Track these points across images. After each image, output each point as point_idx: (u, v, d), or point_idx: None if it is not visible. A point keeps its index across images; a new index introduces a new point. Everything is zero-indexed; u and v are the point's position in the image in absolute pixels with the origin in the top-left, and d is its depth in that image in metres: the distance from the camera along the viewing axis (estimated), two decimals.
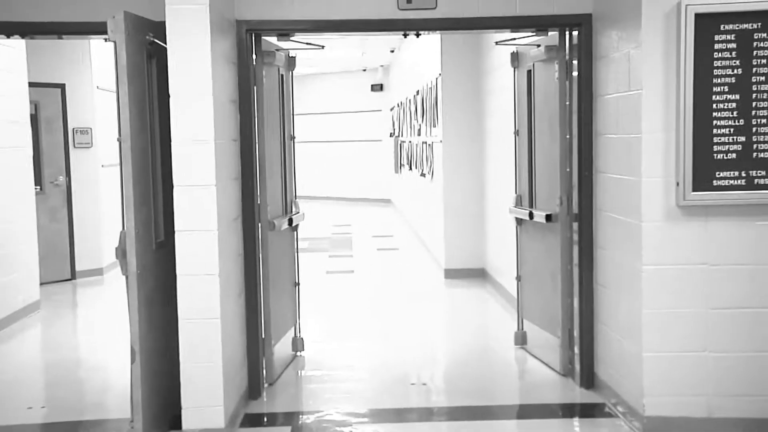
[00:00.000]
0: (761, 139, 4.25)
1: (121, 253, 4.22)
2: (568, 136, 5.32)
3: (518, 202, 6.22)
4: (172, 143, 4.31)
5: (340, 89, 20.23)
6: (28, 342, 7.11)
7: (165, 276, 4.49)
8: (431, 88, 10.44)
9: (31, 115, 8.42)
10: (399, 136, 15.69)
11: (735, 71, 4.22)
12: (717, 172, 4.25)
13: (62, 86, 9.42)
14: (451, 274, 9.38)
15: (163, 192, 4.56)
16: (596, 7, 5.02)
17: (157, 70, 4.53)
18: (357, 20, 5.09)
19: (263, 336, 5.32)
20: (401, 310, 7.98)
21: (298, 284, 6.11)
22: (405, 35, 5.36)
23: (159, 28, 4.39)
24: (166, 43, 4.30)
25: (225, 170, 4.62)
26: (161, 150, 4.56)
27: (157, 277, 4.47)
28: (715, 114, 4.23)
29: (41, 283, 8.37)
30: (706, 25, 4.18)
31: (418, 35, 5.30)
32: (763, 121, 4.24)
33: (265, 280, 5.32)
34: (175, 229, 4.35)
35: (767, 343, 4.36)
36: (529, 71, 5.97)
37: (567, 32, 5.29)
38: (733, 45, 4.21)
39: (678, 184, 4.26)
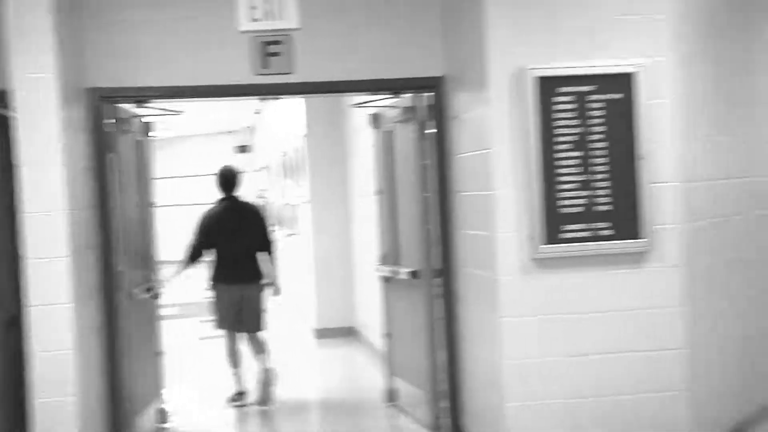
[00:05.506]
0: (600, 194, 4.48)
1: None
2: (427, 195, 5.46)
3: (384, 260, 6.30)
4: (23, 214, 4.14)
5: (205, 152, 19.97)
6: None
7: (15, 357, 4.26)
8: (297, 149, 10.50)
9: None
10: (266, 197, 15.61)
11: (574, 130, 4.46)
12: (563, 226, 4.47)
13: None
14: (322, 333, 9.35)
15: (10, 266, 4.36)
16: (447, 70, 5.23)
17: (3, 139, 4.37)
18: (213, 86, 5.08)
19: (127, 408, 5.12)
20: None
21: (161, 354, 5.93)
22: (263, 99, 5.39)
23: (2, 97, 4.25)
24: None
25: (80, 240, 4.47)
26: (8, 222, 4.37)
27: (5, 360, 4.23)
28: (559, 171, 4.45)
29: None
30: (547, 87, 4.42)
31: (276, 99, 5.35)
32: (599, 176, 4.48)
33: (126, 351, 5.14)
34: (27, 304, 4.15)
35: (627, 386, 4.52)
36: (388, 132, 6.12)
37: (422, 94, 5.47)
38: (571, 106, 4.46)
39: (532, 238, 4.45)
